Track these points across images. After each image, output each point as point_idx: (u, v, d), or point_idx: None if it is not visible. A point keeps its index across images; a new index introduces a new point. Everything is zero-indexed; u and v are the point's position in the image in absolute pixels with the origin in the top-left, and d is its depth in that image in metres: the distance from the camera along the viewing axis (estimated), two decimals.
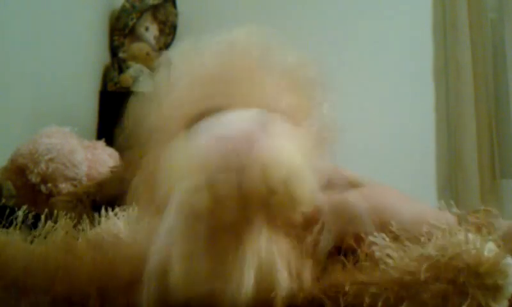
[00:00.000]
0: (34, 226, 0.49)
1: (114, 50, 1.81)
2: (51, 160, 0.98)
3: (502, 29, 1.90)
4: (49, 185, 0.97)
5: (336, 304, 0.42)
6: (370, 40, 1.91)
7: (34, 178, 0.97)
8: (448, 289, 0.38)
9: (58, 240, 0.45)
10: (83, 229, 0.49)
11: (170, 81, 0.43)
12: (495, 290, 0.38)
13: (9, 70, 1.19)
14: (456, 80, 1.84)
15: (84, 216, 0.49)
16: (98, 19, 1.77)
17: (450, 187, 1.76)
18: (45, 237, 0.47)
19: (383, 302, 0.40)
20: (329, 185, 0.46)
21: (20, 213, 0.49)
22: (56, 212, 0.49)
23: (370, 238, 0.44)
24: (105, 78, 1.75)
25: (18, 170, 0.99)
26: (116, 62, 1.76)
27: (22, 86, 1.26)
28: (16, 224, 0.49)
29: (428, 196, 1.72)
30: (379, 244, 0.44)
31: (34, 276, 0.45)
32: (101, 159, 1.01)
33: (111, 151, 1.05)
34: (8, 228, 0.48)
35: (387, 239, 0.45)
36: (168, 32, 1.89)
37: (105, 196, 0.62)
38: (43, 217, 0.48)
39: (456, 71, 1.85)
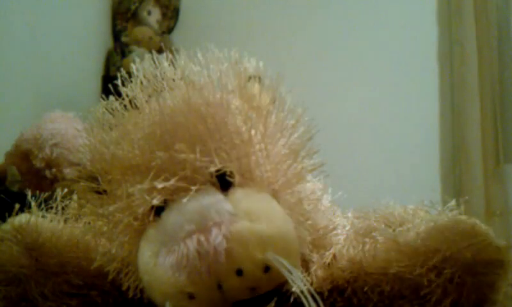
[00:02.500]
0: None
1: (116, 35, 1.81)
2: (55, 145, 0.98)
3: (508, 12, 1.88)
4: (54, 170, 0.98)
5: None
6: (374, 25, 1.90)
7: (38, 163, 0.98)
8: (447, 286, 0.38)
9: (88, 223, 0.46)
10: None
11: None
12: (490, 290, 0.38)
13: (12, 55, 1.19)
14: (460, 65, 1.82)
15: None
16: (100, 3, 1.76)
17: (454, 172, 1.76)
18: (77, 220, 0.48)
19: (378, 294, 0.41)
20: None
21: (57, 197, 0.50)
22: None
23: None
24: (108, 62, 1.74)
25: (23, 155, 0.99)
26: (119, 47, 1.76)
27: (25, 72, 1.26)
28: (53, 208, 0.50)
29: (431, 181, 1.72)
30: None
31: (66, 258, 0.46)
32: None
33: None
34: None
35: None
36: (171, 16, 1.88)
37: None
38: (72, 201, 0.50)
39: (460, 56, 1.83)
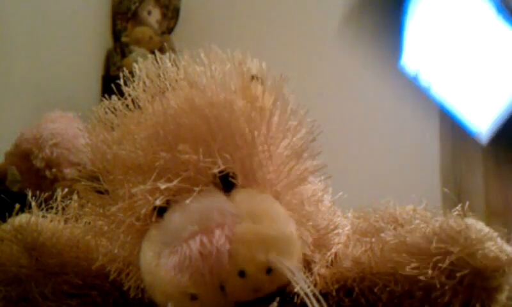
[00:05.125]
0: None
1: (116, 35, 1.80)
2: (55, 145, 0.98)
3: None
4: (54, 170, 0.98)
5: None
6: None
7: (38, 163, 0.98)
8: (458, 288, 0.38)
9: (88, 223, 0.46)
10: None
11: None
12: (497, 292, 0.39)
13: (11, 55, 1.19)
14: None
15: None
16: (100, 3, 1.76)
17: (454, 173, 1.76)
18: (77, 220, 0.48)
19: (388, 294, 0.41)
20: None
21: (58, 197, 0.50)
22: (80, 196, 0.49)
23: None
24: (108, 62, 1.74)
25: (23, 155, 0.99)
26: (119, 47, 1.75)
27: (25, 71, 1.26)
28: (53, 208, 0.50)
29: (432, 181, 1.72)
30: None
31: (66, 258, 0.46)
32: None
33: None
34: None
35: None
36: (171, 16, 1.88)
37: None
38: (73, 201, 0.50)
39: None
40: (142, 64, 0.41)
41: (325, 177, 0.48)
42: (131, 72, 0.41)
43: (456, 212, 0.44)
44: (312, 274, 0.45)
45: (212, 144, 0.37)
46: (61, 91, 1.40)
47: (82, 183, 0.42)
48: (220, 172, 0.37)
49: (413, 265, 0.39)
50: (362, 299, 0.42)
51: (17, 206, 0.49)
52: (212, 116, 0.37)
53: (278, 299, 0.37)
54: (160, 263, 0.35)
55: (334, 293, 0.43)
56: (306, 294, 0.33)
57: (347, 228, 0.52)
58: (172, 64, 0.41)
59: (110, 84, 0.44)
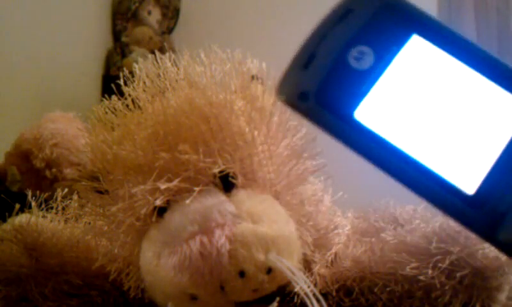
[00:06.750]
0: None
1: (116, 35, 1.80)
2: (55, 145, 0.98)
3: (508, 13, 1.88)
4: (54, 170, 0.98)
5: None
6: None
7: (38, 163, 0.98)
8: (457, 287, 0.38)
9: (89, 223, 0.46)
10: None
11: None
12: (497, 291, 0.39)
13: (12, 55, 1.19)
14: None
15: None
16: (100, 3, 1.76)
17: None
18: (77, 220, 0.48)
19: (387, 294, 0.40)
20: None
21: (58, 197, 0.50)
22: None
23: None
24: (108, 62, 1.74)
25: (23, 155, 0.99)
26: (119, 47, 1.75)
27: (25, 71, 1.26)
28: (53, 208, 0.50)
29: None
30: None
31: (66, 258, 0.46)
32: None
33: None
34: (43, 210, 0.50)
35: None
36: (171, 16, 1.88)
37: None
38: (73, 201, 0.49)
39: None
40: (142, 64, 0.41)
41: (325, 177, 0.48)
42: (131, 72, 0.41)
43: None
44: (312, 274, 0.45)
45: (212, 144, 0.37)
46: (61, 91, 1.40)
47: (82, 183, 0.42)
48: (220, 172, 0.37)
49: (413, 264, 0.39)
50: (362, 299, 0.42)
51: (17, 206, 0.49)
52: (212, 116, 0.37)
53: (278, 298, 0.37)
54: (160, 263, 0.35)
55: (334, 293, 0.43)
56: (306, 294, 0.33)
57: (347, 228, 0.52)
58: (172, 64, 0.41)
59: (110, 84, 0.44)
